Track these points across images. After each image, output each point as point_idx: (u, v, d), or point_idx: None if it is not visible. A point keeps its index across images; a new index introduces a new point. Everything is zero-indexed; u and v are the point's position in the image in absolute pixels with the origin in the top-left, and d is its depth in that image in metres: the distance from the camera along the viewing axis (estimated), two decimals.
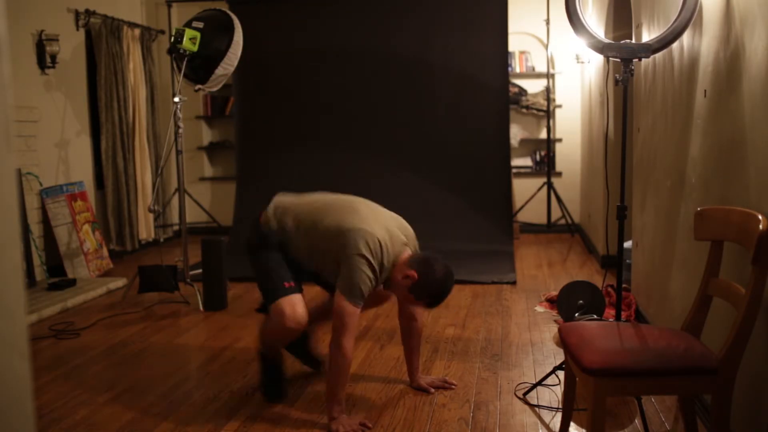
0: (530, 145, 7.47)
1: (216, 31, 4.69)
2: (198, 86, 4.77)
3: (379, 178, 6.58)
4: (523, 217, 7.28)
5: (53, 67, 5.35)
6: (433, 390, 3.06)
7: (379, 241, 2.72)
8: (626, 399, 2.89)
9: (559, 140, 7.37)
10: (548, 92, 7.05)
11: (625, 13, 4.66)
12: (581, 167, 7.20)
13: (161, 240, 6.61)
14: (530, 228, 7.25)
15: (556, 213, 7.08)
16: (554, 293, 4.35)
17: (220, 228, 7.28)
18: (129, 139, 6.26)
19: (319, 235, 2.83)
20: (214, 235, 5.02)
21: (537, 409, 2.87)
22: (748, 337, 1.99)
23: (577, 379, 2.32)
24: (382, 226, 2.83)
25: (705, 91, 2.72)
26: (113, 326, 4.20)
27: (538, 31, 7.23)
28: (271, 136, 6.85)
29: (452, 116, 6.60)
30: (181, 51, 4.53)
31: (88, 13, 5.81)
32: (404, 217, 3.14)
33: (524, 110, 7.39)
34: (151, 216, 6.40)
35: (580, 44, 4.71)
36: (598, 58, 5.55)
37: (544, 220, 7.15)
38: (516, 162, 7.36)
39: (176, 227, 7.18)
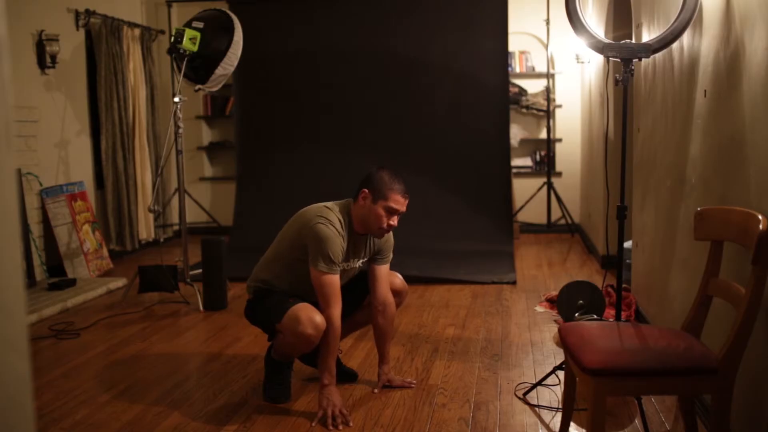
0: (530, 145, 7.47)
1: (216, 31, 4.69)
2: (198, 86, 4.77)
3: None
4: (523, 217, 7.28)
5: (53, 67, 5.35)
6: (397, 383, 3.09)
7: (325, 207, 2.95)
8: (626, 399, 2.89)
9: (559, 140, 7.37)
10: (548, 92, 7.05)
11: (625, 13, 4.66)
12: (581, 167, 7.20)
13: (161, 240, 6.62)
14: (530, 228, 7.25)
15: (556, 213, 7.08)
16: (554, 293, 4.35)
17: (220, 228, 7.28)
18: (129, 139, 6.26)
19: (285, 249, 2.98)
20: (214, 235, 5.01)
21: (537, 409, 2.87)
22: (748, 337, 1.99)
23: (577, 379, 2.32)
24: (322, 205, 3.04)
25: (705, 91, 2.72)
26: (113, 326, 4.20)
27: (538, 31, 7.23)
28: (271, 136, 6.85)
29: (452, 116, 6.60)
30: (181, 51, 4.53)
31: (88, 13, 5.81)
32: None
33: (524, 110, 7.39)
34: (151, 216, 6.40)
35: (580, 44, 4.70)
36: (598, 58, 5.55)
37: (544, 220, 7.15)
38: (516, 162, 7.35)
39: (176, 227, 7.18)
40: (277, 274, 3.01)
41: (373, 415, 2.82)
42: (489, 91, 6.53)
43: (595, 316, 3.50)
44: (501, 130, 6.57)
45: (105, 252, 5.82)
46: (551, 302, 4.39)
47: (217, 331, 4.06)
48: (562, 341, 2.34)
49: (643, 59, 2.90)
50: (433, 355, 3.54)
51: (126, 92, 6.19)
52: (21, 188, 4.97)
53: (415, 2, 6.62)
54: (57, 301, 4.56)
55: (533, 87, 7.44)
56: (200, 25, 4.66)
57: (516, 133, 7.26)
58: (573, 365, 2.25)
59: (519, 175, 7.36)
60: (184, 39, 4.51)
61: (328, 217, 2.89)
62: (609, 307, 3.81)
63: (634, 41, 3.52)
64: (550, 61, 7.13)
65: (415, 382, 3.13)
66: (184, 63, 4.57)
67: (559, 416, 2.75)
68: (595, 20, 5.71)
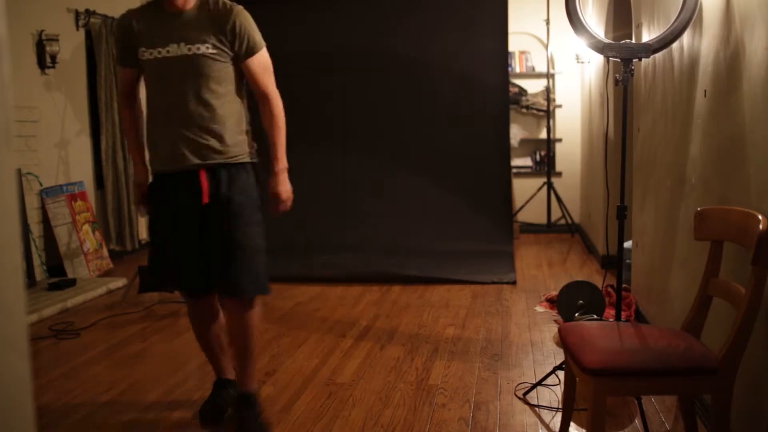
0: (530, 145, 7.47)
1: None
2: None
3: (379, 178, 6.58)
4: (523, 217, 7.28)
5: (53, 67, 5.35)
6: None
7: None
8: (626, 399, 2.89)
9: (559, 140, 7.37)
10: (548, 92, 7.05)
11: (625, 13, 4.66)
12: (581, 167, 7.20)
13: None
14: (530, 228, 7.25)
15: (556, 213, 7.08)
16: (554, 293, 4.35)
17: None
18: None
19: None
20: None
21: (537, 409, 2.87)
22: (748, 337, 1.99)
23: (577, 379, 2.32)
24: None
25: (705, 91, 2.72)
26: (113, 326, 4.20)
27: (538, 31, 7.23)
28: None
29: (452, 116, 6.60)
30: None
31: (88, 13, 5.81)
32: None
33: (524, 110, 7.39)
34: None
35: (580, 44, 4.70)
36: (598, 58, 5.55)
37: (544, 220, 7.15)
38: (516, 162, 7.35)
39: None
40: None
41: (373, 415, 2.82)
42: (489, 91, 6.53)
43: (595, 316, 3.50)
44: (501, 130, 6.57)
45: (105, 252, 5.82)
46: (551, 302, 4.39)
47: None
48: (562, 341, 2.34)
49: (643, 59, 2.90)
50: (433, 355, 3.54)
51: None
52: (21, 188, 4.97)
53: (415, 2, 6.62)
54: (57, 301, 4.55)
55: (533, 87, 7.44)
56: None
57: (516, 133, 7.26)
58: (573, 365, 2.25)
59: (519, 175, 7.36)
60: None
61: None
62: (609, 307, 3.81)
63: (634, 41, 3.52)
64: (550, 61, 7.13)
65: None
66: None
67: (559, 416, 2.75)
68: (595, 20, 5.71)
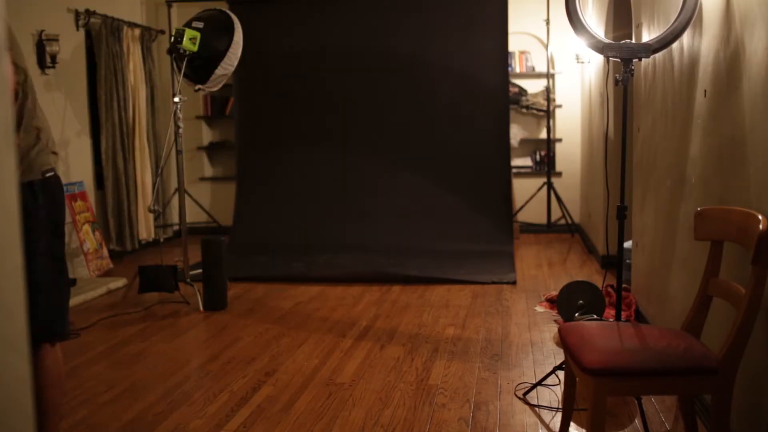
0: (530, 145, 7.46)
1: (216, 31, 4.69)
2: (198, 86, 4.77)
3: (379, 178, 6.58)
4: (523, 217, 7.28)
5: (53, 67, 5.35)
6: None
7: None
8: (626, 399, 2.89)
9: (559, 140, 7.37)
10: (548, 92, 7.04)
11: (625, 13, 4.66)
12: (581, 167, 7.20)
13: (161, 240, 6.61)
14: (530, 228, 7.25)
15: (556, 213, 7.08)
16: (554, 293, 4.35)
17: (220, 228, 7.28)
18: (129, 139, 6.26)
19: None
20: (214, 235, 5.02)
21: (537, 409, 2.87)
22: (748, 337, 1.99)
23: (577, 379, 2.32)
24: None
25: (705, 91, 2.72)
26: (113, 326, 4.20)
27: (538, 31, 7.23)
28: (271, 136, 6.86)
29: (452, 116, 6.60)
30: (181, 51, 4.53)
31: (88, 13, 5.81)
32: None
33: (524, 110, 7.39)
34: (151, 216, 6.40)
35: (580, 44, 4.71)
36: (598, 58, 5.55)
37: (544, 220, 7.15)
38: (516, 162, 7.35)
39: (176, 227, 7.18)
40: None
41: (373, 415, 2.82)
42: (489, 91, 6.53)
43: (595, 316, 3.50)
44: (501, 130, 6.57)
45: (105, 252, 5.82)
46: (551, 302, 4.39)
47: (217, 331, 4.06)
48: (562, 341, 2.34)
49: (643, 59, 2.90)
50: (433, 355, 3.54)
51: (126, 92, 6.19)
52: (21, 188, 4.96)
53: (415, 2, 6.62)
54: None
55: (533, 87, 7.43)
56: (200, 25, 4.66)
57: (516, 133, 7.25)
58: (573, 365, 2.25)
59: (519, 175, 7.36)
60: (184, 39, 4.51)
61: None
62: (609, 307, 3.82)
63: (634, 41, 3.52)
64: (550, 61, 7.13)
65: None
66: (184, 63, 4.57)
67: (559, 416, 2.75)
68: (595, 20, 5.71)
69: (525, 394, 3.01)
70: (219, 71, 4.71)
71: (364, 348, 3.67)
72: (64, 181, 5.56)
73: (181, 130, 4.72)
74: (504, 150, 6.58)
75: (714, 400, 2.04)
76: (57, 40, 5.30)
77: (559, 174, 7.37)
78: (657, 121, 3.59)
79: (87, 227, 5.66)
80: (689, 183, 2.95)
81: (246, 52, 4.91)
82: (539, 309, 4.37)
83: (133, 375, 3.36)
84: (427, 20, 6.59)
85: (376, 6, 6.65)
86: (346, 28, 6.70)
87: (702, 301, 2.29)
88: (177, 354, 3.67)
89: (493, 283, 5.06)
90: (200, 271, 4.62)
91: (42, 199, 2.20)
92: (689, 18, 2.80)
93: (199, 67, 4.69)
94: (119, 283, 5.16)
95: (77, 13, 5.75)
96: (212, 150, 7.75)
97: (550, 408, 2.87)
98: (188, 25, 4.70)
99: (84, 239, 5.56)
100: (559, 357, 3.41)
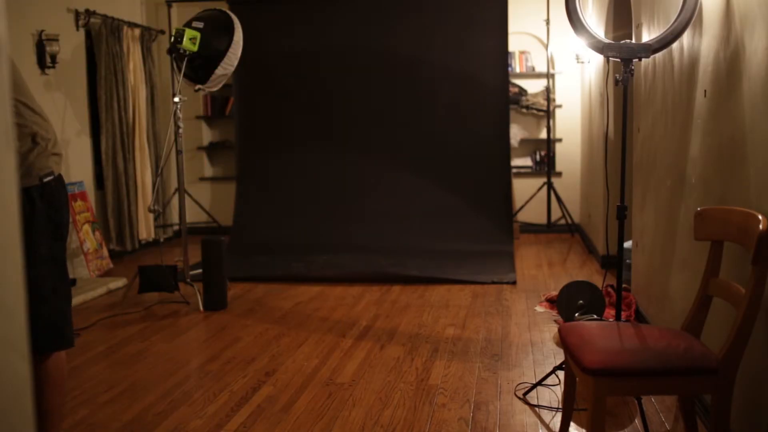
0: (530, 145, 7.46)
1: (216, 31, 4.69)
2: (198, 86, 4.77)
3: (379, 177, 6.58)
4: (523, 217, 7.28)
5: (53, 67, 5.35)
6: None
7: None
8: (626, 399, 2.89)
9: (559, 140, 7.37)
10: (548, 92, 7.04)
11: (625, 13, 4.66)
12: (581, 167, 7.20)
13: (161, 240, 6.62)
14: (530, 228, 7.25)
15: (556, 213, 7.08)
16: (554, 293, 4.35)
17: (220, 228, 7.28)
18: (129, 139, 6.26)
19: None
20: (214, 235, 5.02)
21: (537, 409, 2.87)
22: (748, 337, 1.99)
23: (577, 379, 2.32)
24: None
25: (705, 91, 2.72)
26: (113, 326, 4.20)
27: (538, 31, 7.23)
28: (271, 136, 6.86)
29: (452, 116, 6.60)
30: (181, 51, 4.53)
31: (88, 13, 5.81)
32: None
33: (524, 110, 7.39)
34: (151, 216, 6.40)
35: (580, 44, 4.71)
36: (598, 58, 5.55)
37: (544, 220, 7.15)
38: (516, 162, 7.35)
39: (176, 227, 7.18)
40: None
41: (373, 415, 2.82)
42: (489, 91, 6.54)
43: (595, 316, 3.50)
44: (501, 130, 6.57)
45: (105, 252, 5.82)
46: (551, 302, 4.40)
47: (217, 331, 4.06)
48: (562, 341, 2.34)
49: (643, 59, 2.90)
50: (433, 355, 3.54)
51: (126, 92, 6.19)
52: (21, 188, 4.97)
53: (415, 2, 6.62)
54: None
55: (533, 87, 7.43)
56: (200, 25, 4.66)
57: (516, 133, 7.25)
58: (573, 365, 2.25)
59: (519, 175, 7.36)
60: (184, 39, 4.51)
61: None
62: (609, 307, 3.82)
63: (634, 41, 3.52)
64: (550, 61, 7.12)
65: None
66: (184, 63, 4.57)
67: (559, 416, 2.75)
68: (595, 20, 5.71)
69: (525, 394, 3.01)
70: (219, 71, 4.71)
71: (364, 348, 3.67)
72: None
73: (181, 130, 4.72)
74: (504, 150, 6.58)
75: (714, 400, 2.04)
76: (57, 40, 5.30)
77: (559, 174, 7.37)
78: (657, 121, 3.59)
79: (87, 227, 5.66)
80: (689, 183, 2.95)
81: (246, 52, 4.91)
82: (539, 309, 4.37)
83: (133, 375, 3.36)
84: (427, 20, 6.59)
85: (376, 6, 6.65)
86: (346, 28, 6.70)
87: (702, 301, 2.29)
88: (177, 354, 3.67)
89: (493, 283, 5.06)
90: (200, 271, 4.62)
91: (40, 205, 2.18)
92: (689, 18, 2.80)
93: (199, 67, 4.69)
94: (119, 283, 5.16)
95: (77, 13, 5.75)
96: (212, 150, 7.75)
97: (550, 408, 2.87)
98: (188, 25, 4.70)
99: (84, 239, 5.56)
100: (559, 357, 3.41)
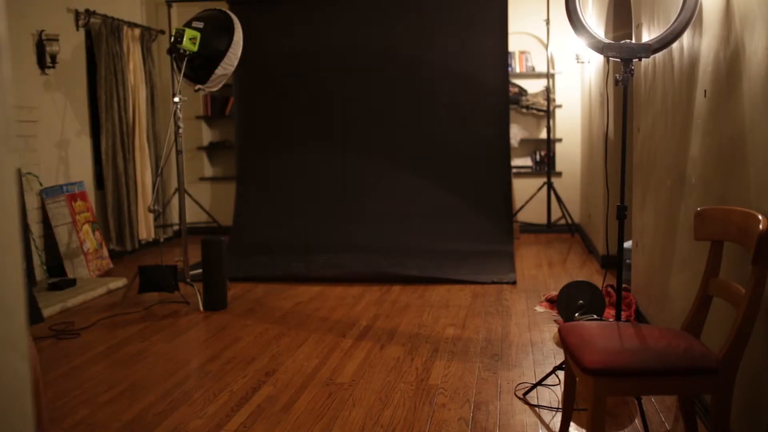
0: (530, 145, 7.46)
1: (216, 31, 4.69)
2: (198, 86, 4.77)
3: (379, 178, 6.58)
4: (523, 217, 7.28)
5: (53, 67, 5.35)
6: None
7: None
8: (626, 399, 2.89)
9: (559, 140, 7.37)
10: (548, 92, 7.05)
11: (625, 13, 4.66)
12: (581, 167, 7.20)
13: (161, 240, 6.62)
14: (530, 228, 7.25)
15: (556, 213, 7.08)
16: (554, 293, 4.35)
17: (220, 228, 7.28)
18: (129, 139, 6.26)
19: None
20: (214, 235, 5.02)
21: (537, 409, 2.87)
22: (748, 337, 1.99)
23: (577, 379, 2.32)
24: None
25: (705, 91, 2.72)
26: (113, 326, 4.20)
27: (538, 31, 7.23)
28: (271, 136, 6.86)
29: (452, 116, 6.60)
30: (181, 51, 4.53)
31: (88, 13, 5.81)
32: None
33: (524, 110, 7.39)
34: (151, 216, 6.40)
35: (580, 44, 4.71)
36: (598, 58, 5.55)
37: (544, 220, 7.15)
38: (516, 162, 7.35)
39: (176, 227, 7.18)
40: None
41: (373, 415, 2.82)
42: (489, 91, 6.53)
43: (595, 316, 3.50)
44: (501, 130, 6.57)
45: (105, 252, 5.82)
46: (551, 302, 4.40)
47: (217, 331, 4.06)
48: (562, 341, 2.34)
49: (643, 59, 2.90)
50: (433, 355, 3.54)
51: (126, 92, 6.19)
52: (21, 188, 4.97)
53: (415, 2, 6.62)
54: (57, 301, 4.55)
55: (533, 87, 7.44)
56: (200, 25, 4.66)
57: (516, 133, 7.26)
58: (573, 365, 2.25)
59: (519, 175, 7.36)
60: (184, 39, 4.51)
61: None
62: (609, 307, 3.82)
63: (634, 41, 3.52)
64: (550, 61, 7.13)
65: None
66: (184, 63, 4.57)
67: (559, 416, 2.75)
68: (595, 20, 5.71)
69: (525, 394, 3.01)
70: (219, 71, 4.71)
71: (364, 348, 3.67)
72: (64, 181, 5.57)
73: (181, 130, 4.72)
74: (504, 150, 6.58)
75: (714, 400, 2.04)
76: (57, 40, 5.30)
77: (559, 174, 7.37)
78: (657, 121, 3.60)
79: (87, 227, 5.66)
80: (689, 183, 2.95)
81: (246, 52, 4.91)
82: (539, 309, 4.37)
83: (133, 375, 3.36)
84: (427, 20, 6.59)
85: (376, 6, 6.65)
86: (346, 28, 6.70)
87: (702, 301, 2.29)
88: (177, 354, 3.67)
89: (493, 283, 5.06)
90: (200, 271, 4.62)
91: None
92: (689, 18, 2.80)
93: (199, 67, 4.69)
94: (119, 283, 5.16)
95: (77, 13, 5.75)
96: (212, 150, 7.75)
97: (550, 408, 2.87)
98: (188, 25, 4.70)
99: (84, 239, 5.56)
100: (559, 357, 3.41)
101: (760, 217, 1.96)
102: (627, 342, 2.17)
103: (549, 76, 7.12)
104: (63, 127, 5.63)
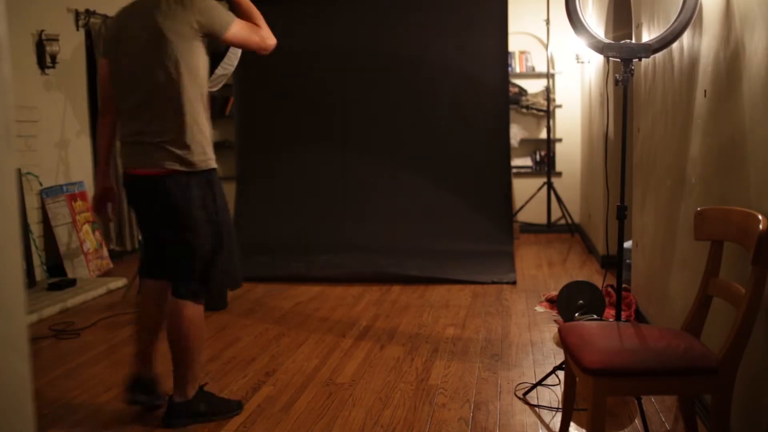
0: (530, 145, 7.47)
1: None
2: None
3: (379, 178, 6.58)
4: (523, 217, 7.28)
5: (53, 67, 5.35)
6: None
7: None
8: (626, 399, 2.89)
9: (559, 140, 7.37)
10: (548, 92, 7.05)
11: (625, 13, 4.66)
12: (581, 167, 7.20)
13: None
14: (530, 228, 7.25)
15: (556, 213, 7.08)
16: (554, 293, 4.35)
17: None
18: None
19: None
20: None
21: (537, 409, 2.87)
22: (748, 337, 1.99)
23: (577, 379, 2.32)
24: None
25: (705, 91, 2.72)
26: (113, 326, 4.20)
27: (538, 31, 7.23)
28: (271, 136, 6.85)
29: (452, 116, 6.60)
30: None
31: (88, 13, 5.81)
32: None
33: (524, 110, 7.39)
34: None
35: (580, 44, 4.70)
36: (598, 58, 5.55)
37: (544, 220, 7.15)
38: (516, 162, 7.35)
39: None
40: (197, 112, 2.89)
41: (373, 415, 2.82)
42: (489, 91, 6.53)
43: (595, 316, 3.50)
44: (501, 130, 6.56)
45: (105, 252, 5.82)
46: (551, 302, 4.39)
47: (217, 331, 4.06)
48: (562, 341, 2.34)
49: (643, 59, 2.90)
50: (433, 355, 3.54)
51: None
52: (21, 188, 4.97)
53: (415, 2, 6.62)
54: (57, 301, 4.55)
55: (533, 87, 7.44)
56: None
57: (516, 133, 7.26)
58: (573, 365, 2.25)
59: (519, 175, 7.36)
60: None
61: None
62: (609, 307, 3.81)
63: (634, 41, 3.52)
64: (550, 61, 7.13)
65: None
66: None
67: (559, 416, 2.75)
68: (595, 20, 5.71)
69: (525, 394, 3.01)
70: (219, 71, 4.70)
71: (364, 348, 3.67)
72: (64, 181, 5.57)
73: None
74: (504, 150, 6.57)
75: (714, 400, 2.04)
76: (57, 40, 5.30)
77: (559, 174, 7.37)
78: (657, 121, 3.59)
79: (87, 227, 5.65)
80: (689, 183, 2.95)
81: (246, 52, 4.90)
82: (539, 309, 4.37)
83: None
84: (427, 20, 6.58)
85: (376, 6, 6.64)
86: (346, 28, 6.69)
87: (702, 301, 2.29)
88: None
89: (493, 283, 5.06)
90: None
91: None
92: (689, 18, 2.80)
93: None
94: (119, 283, 5.16)
95: (77, 13, 5.75)
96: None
97: (550, 408, 2.87)
98: None
99: (84, 239, 5.56)
100: (559, 357, 3.41)
101: (760, 217, 1.96)
102: (627, 342, 2.17)
103: (549, 76, 7.12)
104: (63, 127, 5.63)
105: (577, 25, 2.91)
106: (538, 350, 3.59)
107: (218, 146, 7.71)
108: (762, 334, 2.13)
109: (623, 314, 3.93)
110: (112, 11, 6.11)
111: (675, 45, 3.06)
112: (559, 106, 7.34)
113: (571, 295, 3.71)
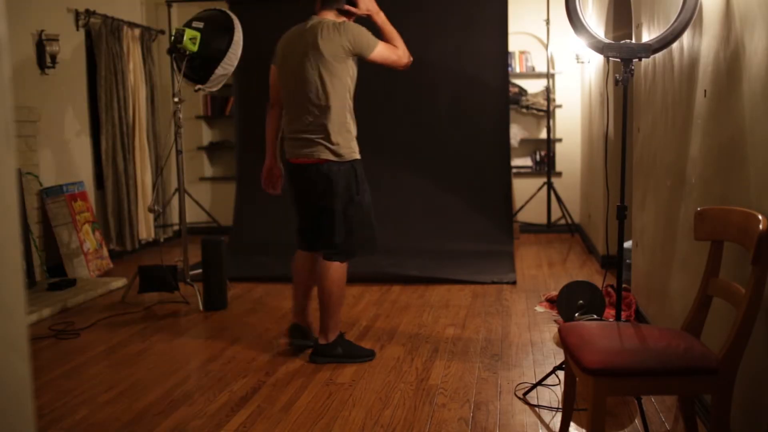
0: (530, 145, 7.47)
1: (216, 31, 4.68)
2: (198, 86, 4.77)
3: (380, 178, 6.56)
4: (523, 217, 7.28)
5: (53, 67, 5.35)
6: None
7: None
8: (626, 399, 2.89)
9: (559, 140, 7.37)
10: (548, 92, 7.05)
11: (625, 13, 4.66)
12: (581, 167, 7.20)
13: (161, 240, 6.61)
14: (530, 228, 7.25)
15: (556, 213, 7.08)
16: (554, 293, 4.35)
17: (220, 228, 7.28)
18: (129, 139, 6.26)
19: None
20: (214, 235, 5.01)
21: (537, 409, 2.87)
22: (748, 337, 1.99)
23: (577, 379, 2.32)
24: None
25: (705, 91, 2.72)
26: (113, 326, 4.20)
27: (538, 31, 7.23)
28: None
29: (452, 116, 6.60)
30: (181, 51, 4.52)
31: (88, 13, 5.81)
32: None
33: (524, 110, 7.39)
34: (151, 216, 6.40)
35: (580, 44, 4.70)
36: (598, 58, 5.55)
37: (544, 220, 7.15)
38: (516, 162, 7.35)
39: (176, 227, 7.18)
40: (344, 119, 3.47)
41: (373, 415, 2.82)
42: (489, 91, 6.53)
43: (595, 316, 3.50)
44: (501, 130, 6.56)
45: (105, 252, 5.82)
46: (551, 302, 4.39)
47: (217, 331, 4.06)
48: (562, 341, 2.34)
49: (643, 59, 2.90)
50: (433, 355, 3.54)
51: (126, 92, 6.19)
52: (21, 188, 4.97)
53: (415, 2, 6.62)
54: (57, 301, 4.55)
55: (533, 87, 7.44)
56: (200, 25, 4.65)
57: (516, 133, 7.25)
58: (573, 365, 2.25)
59: (519, 175, 7.36)
60: (184, 39, 4.50)
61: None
62: (609, 307, 3.81)
63: (634, 41, 3.52)
64: (550, 61, 7.13)
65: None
66: (184, 63, 4.57)
67: (559, 416, 2.75)
68: (595, 20, 5.71)
69: (525, 394, 3.01)
70: (219, 71, 4.71)
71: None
72: (64, 181, 5.57)
73: (181, 130, 4.72)
74: (504, 150, 6.58)
75: (714, 400, 2.04)
76: (57, 40, 5.30)
77: (559, 174, 7.37)
78: (657, 121, 3.60)
79: (87, 227, 5.66)
80: (689, 183, 2.95)
81: (246, 52, 4.90)
82: (539, 309, 4.37)
83: (133, 375, 3.36)
84: (427, 20, 6.58)
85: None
86: None
87: (702, 301, 2.29)
88: (177, 354, 3.67)
89: (493, 283, 5.06)
90: (200, 271, 4.62)
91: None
92: (689, 18, 2.80)
93: (199, 67, 4.69)
94: (119, 283, 5.16)
95: (77, 13, 5.75)
96: (212, 150, 7.75)
97: (550, 408, 2.87)
98: (188, 25, 4.69)
99: (84, 239, 5.56)
100: (559, 357, 3.41)
101: (760, 217, 1.96)
102: (627, 342, 2.17)
103: (549, 76, 7.12)
104: (63, 127, 5.63)
105: (577, 25, 2.91)
106: (538, 350, 3.59)
107: (218, 146, 7.72)
108: (762, 334, 2.13)
109: (623, 314, 3.93)
110: (112, 11, 6.12)
111: (675, 45, 3.06)
112: (559, 106, 7.34)
113: (571, 295, 3.71)
